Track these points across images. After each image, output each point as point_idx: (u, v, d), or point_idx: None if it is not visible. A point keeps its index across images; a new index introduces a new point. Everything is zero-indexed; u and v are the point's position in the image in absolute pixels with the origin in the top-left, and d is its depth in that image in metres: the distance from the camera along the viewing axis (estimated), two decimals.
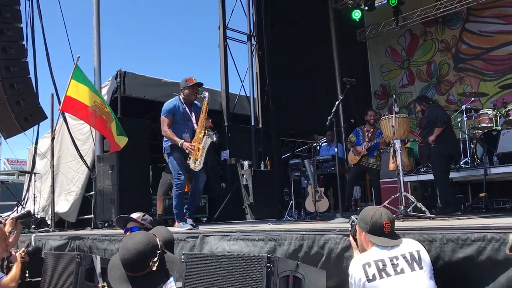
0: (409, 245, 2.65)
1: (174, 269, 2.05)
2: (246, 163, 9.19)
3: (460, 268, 2.79)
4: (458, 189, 7.46)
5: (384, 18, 12.07)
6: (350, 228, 3.05)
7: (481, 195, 5.85)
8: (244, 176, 9.05)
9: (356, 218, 2.92)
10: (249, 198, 8.92)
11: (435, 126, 5.90)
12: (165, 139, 5.61)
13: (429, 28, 11.83)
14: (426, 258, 2.60)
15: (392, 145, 5.15)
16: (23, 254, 4.10)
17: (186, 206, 5.59)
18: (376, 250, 2.63)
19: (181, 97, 5.64)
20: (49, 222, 8.66)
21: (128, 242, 1.95)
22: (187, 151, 5.39)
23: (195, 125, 5.58)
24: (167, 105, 5.61)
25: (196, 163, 5.39)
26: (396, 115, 5.26)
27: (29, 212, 4.96)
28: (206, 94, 5.67)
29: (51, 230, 7.67)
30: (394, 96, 5.71)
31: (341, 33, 12.28)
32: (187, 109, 5.60)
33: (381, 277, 2.50)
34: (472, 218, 4.69)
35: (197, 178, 5.65)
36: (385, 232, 2.65)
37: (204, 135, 5.44)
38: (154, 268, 1.92)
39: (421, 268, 2.52)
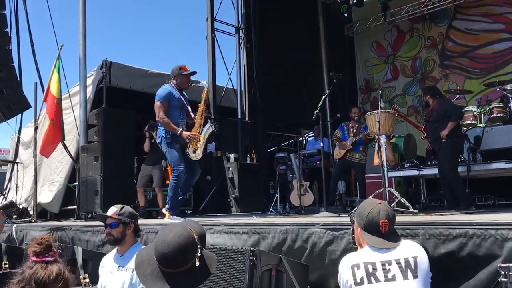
0: (407, 250, 2.39)
1: (213, 265, 1.86)
2: (232, 156, 9.17)
3: (442, 264, 2.81)
4: (440, 185, 7.54)
5: (372, 14, 12.08)
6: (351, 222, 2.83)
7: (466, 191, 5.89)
8: (230, 169, 9.03)
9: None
10: (234, 191, 8.91)
11: (448, 120, 5.67)
12: (161, 127, 5.37)
13: (416, 24, 11.88)
14: (423, 266, 2.34)
15: (377, 140, 5.17)
16: None
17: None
18: (368, 251, 2.40)
19: (173, 84, 5.45)
20: (31, 212, 8.56)
21: (167, 235, 1.76)
22: (187, 140, 5.22)
23: (191, 114, 5.48)
24: (163, 91, 5.36)
25: (196, 153, 5.28)
26: (382, 110, 5.27)
27: (12, 202, 4.87)
28: (205, 83, 5.61)
29: (33, 220, 7.59)
30: (380, 92, 5.72)
31: (329, 28, 12.28)
32: (181, 96, 5.44)
33: (369, 281, 2.29)
34: (455, 214, 4.75)
35: (193, 173, 5.48)
36: (381, 232, 2.40)
37: (204, 125, 5.35)
38: (198, 264, 1.75)
39: (415, 277, 2.28)
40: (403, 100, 11.84)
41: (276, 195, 8.29)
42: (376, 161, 5.44)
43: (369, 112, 5.59)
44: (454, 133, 5.74)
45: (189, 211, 9.05)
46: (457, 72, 11.05)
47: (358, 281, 2.31)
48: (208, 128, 5.36)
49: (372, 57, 12.72)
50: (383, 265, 2.32)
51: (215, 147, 9.41)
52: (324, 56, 11.98)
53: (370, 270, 2.31)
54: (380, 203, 2.52)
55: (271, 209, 8.33)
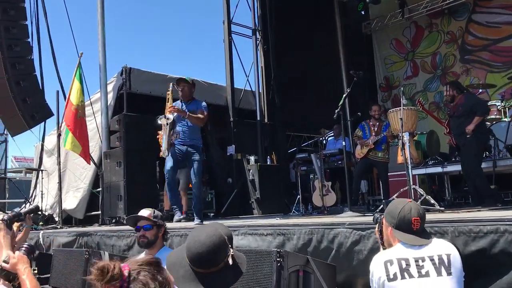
0: (440, 247, 2.42)
1: (244, 265, 1.88)
2: (252, 158, 9.17)
3: (473, 261, 2.75)
4: (465, 182, 7.41)
5: (389, 11, 11.97)
6: (376, 223, 2.90)
7: (491, 187, 5.78)
8: (251, 171, 9.03)
9: (380, 216, 2.77)
10: (255, 193, 8.90)
11: (474, 115, 5.57)
12: None
13: (434, 19, 11.72)
14: (457, 263, 2.36)
15: (401, 137, 5.10)
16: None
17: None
18: (401, 248, 2.43)
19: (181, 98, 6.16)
20: (56, 219, 8.69)
21: (200, 235, 1.78)
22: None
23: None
24: None
25: (162, 150, 5.91)
26: (404, 107, 5.19)
27: (37, 207, 4.94)
28: (170, 84, 6.10)
29: (58, 227, 7.70)
30: (402, 88, 5.65)
31: (346, 26, 12.21)
32: (184, 107, 6.03)
33: (402, 277, 2.31)
34: (482, 210, 4.66)
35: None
36: (413, 229, 2.44)
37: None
38: (231, 262, 1.77)
39: (449, 274, 2.29)
40: (424, 96, 11.68)
41: (298, 196, 8.26)
42: (400, 158, 5.36)
43: (392, 110, 5.52)
44: (479, 128, 5.62)
45: (212, 214, 9.07)
46: (478, 67, 10.85)
47: (392, 277, 2.32)
48: (161, 124, 5.90)
49: (391, 55, 12.59)
50: (416, 261, 2.34)
51: (235, 149, 9.43)
52: (342, 55, 11.90)
53: (404, 265, 2.33)
54: (410, 201, 2.56)
55: (293, 210, 8.30)
